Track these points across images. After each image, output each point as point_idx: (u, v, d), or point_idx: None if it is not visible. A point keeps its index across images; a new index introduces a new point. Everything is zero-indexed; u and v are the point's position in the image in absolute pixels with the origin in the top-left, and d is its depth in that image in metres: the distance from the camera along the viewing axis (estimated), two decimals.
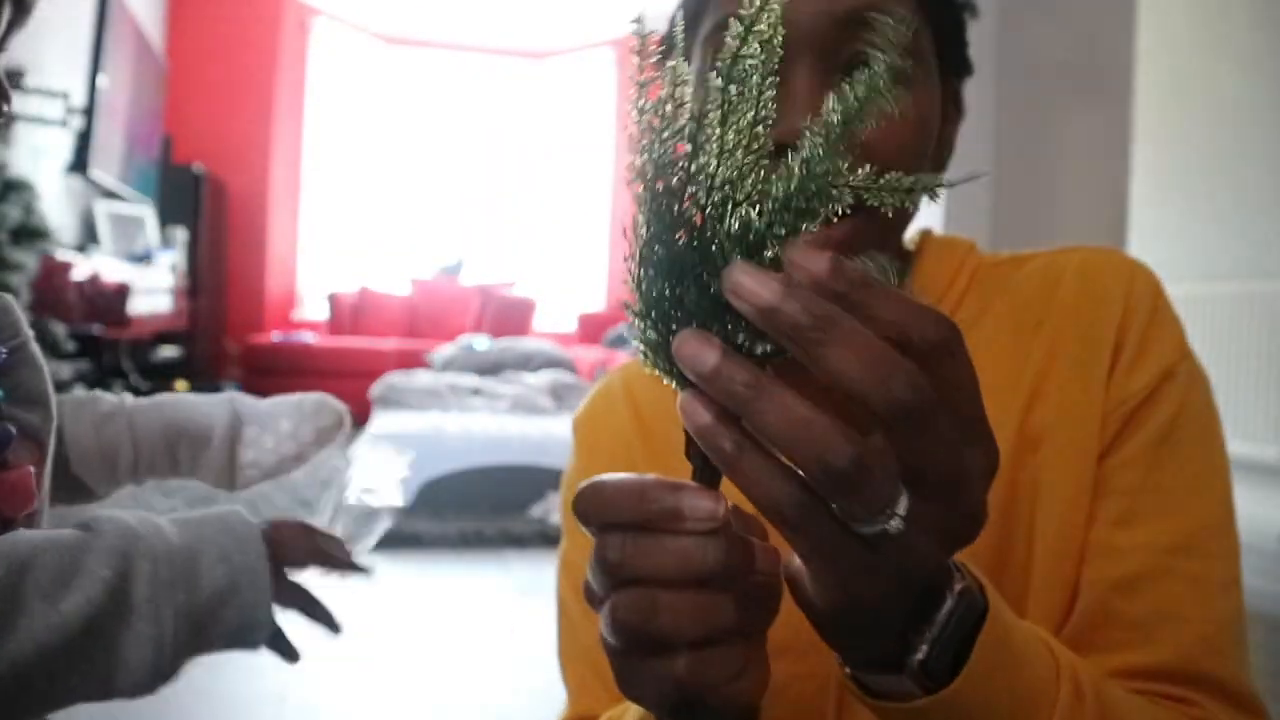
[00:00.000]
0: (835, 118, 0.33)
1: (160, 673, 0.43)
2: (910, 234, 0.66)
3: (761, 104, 0.34)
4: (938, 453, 0.32)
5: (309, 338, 6.44)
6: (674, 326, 0.35)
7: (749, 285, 0.31)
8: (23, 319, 0.54)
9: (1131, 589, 0.53)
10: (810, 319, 0.30)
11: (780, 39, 0.33)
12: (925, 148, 0.57)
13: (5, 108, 0.54)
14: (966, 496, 0.34)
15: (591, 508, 0.37)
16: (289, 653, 0.52)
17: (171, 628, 0.43)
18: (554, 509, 3.69)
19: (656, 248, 0.35)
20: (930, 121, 0.57)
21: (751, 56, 0.33)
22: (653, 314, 0.35)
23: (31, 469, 0.47)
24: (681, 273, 0.34)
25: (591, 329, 7.04)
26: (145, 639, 0.42)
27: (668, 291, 0.35)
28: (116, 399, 0.61)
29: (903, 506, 0.32)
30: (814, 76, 0.53)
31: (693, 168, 0.34)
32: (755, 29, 0.33)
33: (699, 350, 0.32)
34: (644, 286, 0.35)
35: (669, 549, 0.35)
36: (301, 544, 0.54)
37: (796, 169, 0.33)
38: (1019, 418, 0.57)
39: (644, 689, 0.37)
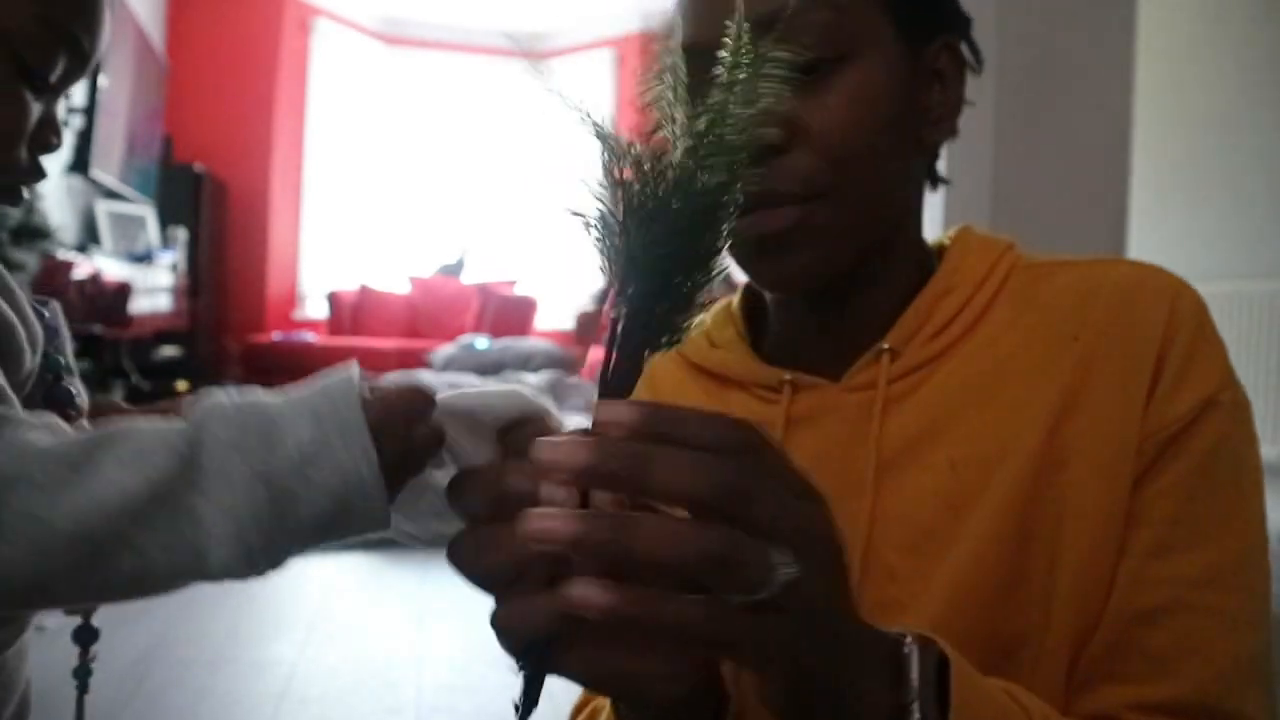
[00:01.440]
0: (699, 126, 0.38)
1: (251, 552, 0.39)
2: (948, 230, 0.65)
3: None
4: (778, 509, 0.35)
5: (310, 337, 6.45)
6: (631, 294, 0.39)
7: (562, 456, 0.35)
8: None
9: (1154, 621, 0.51)
10: (625, 465, 0.34)
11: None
12: (881, 123, 0.55)
13: (54, 140, 0.57)
14: (816, 529, 0.38)
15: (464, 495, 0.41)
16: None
17: (249, 495, 0.39)
18: None
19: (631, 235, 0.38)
20: (879, 97, 0.55)
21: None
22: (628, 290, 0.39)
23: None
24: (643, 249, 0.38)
25: (591, 328, 7.04)
26: (224, 507, 0.39)
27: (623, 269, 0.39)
28: None
29: (778, 560, 0.34)
30: None
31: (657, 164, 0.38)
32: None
33: (555, 522, 0.34)
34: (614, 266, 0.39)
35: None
36: (414, 415, 0.41)
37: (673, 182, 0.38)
38: (1045, 431, 0.54)
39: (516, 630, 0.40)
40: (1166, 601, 0.51)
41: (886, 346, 0.58)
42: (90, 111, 3.92)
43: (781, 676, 0.38)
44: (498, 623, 0.40)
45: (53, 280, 3.37)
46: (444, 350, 5.65)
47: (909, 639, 0.40)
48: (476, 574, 0.40)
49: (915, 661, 0.40)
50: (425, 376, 4.91)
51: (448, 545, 0.40)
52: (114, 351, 4.39)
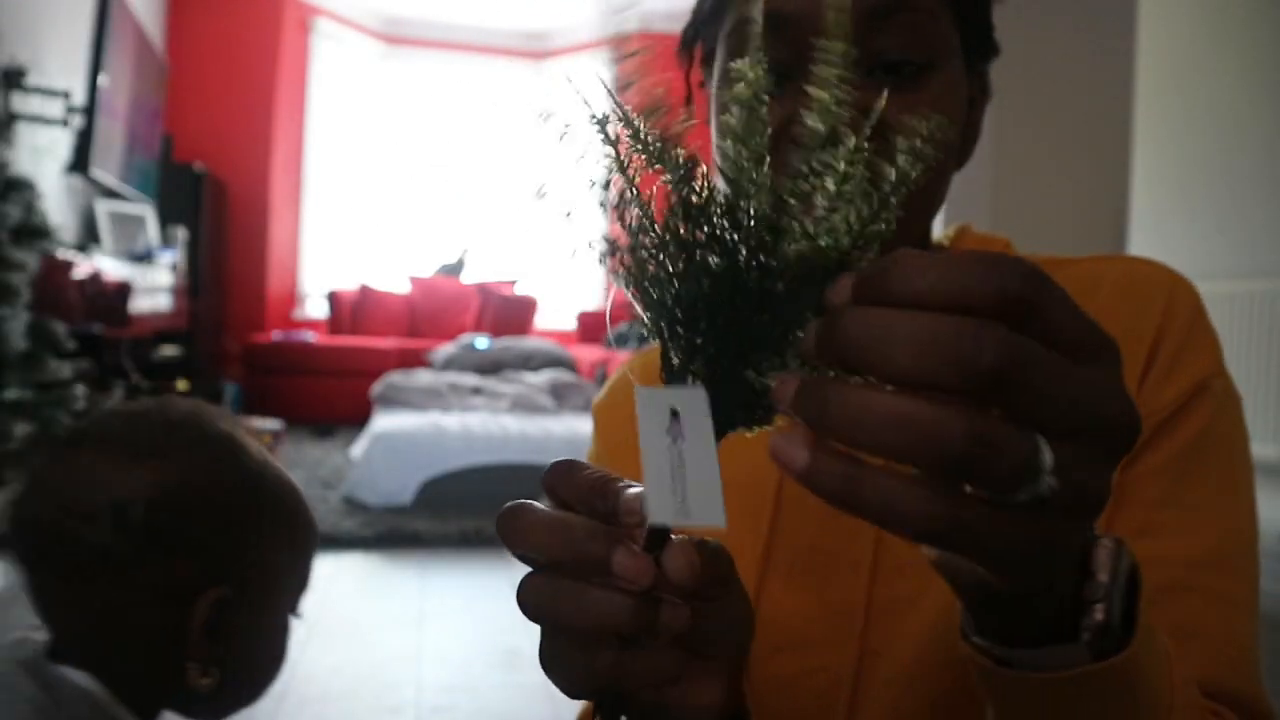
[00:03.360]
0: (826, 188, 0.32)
1: None
2: (947, 228, 0.66)
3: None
4: (1056, 394, 0.27)
5: (310, 337, 6.45)
6: (717, 359, 0.34)
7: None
8: None
9: (1154, 603, 0.52)
10: (853, 336, 0.28)
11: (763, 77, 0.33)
12: (951, 135, 0.57)
13: None
14: (1106, 412, 0.29)
15: (512, 536, 0.37)
16: None
17: None
18: None
19: (691, 284, 0.34)
20: (955, 109, 0.57)
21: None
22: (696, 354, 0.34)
23: None
24: (720, 310, 0.33)
25: (592, 328, 7.05)
26: None
27: (705, 325, 0.34)
28: None
29: (1047, 459, 0.28)
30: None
31: (721, 201, 0.33)
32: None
33: (790, 452, 0.29)
34: (677, 326, 0.34)
35: (585, 602, 0.36)
36: None
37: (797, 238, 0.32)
38: None
39: (564, 675, 0.38)
40: (1166, 583, 0.52)
41: None
42: (90, 111, 3.92)
43: (999, 575, 0.32)
44: (570, 671, 0.38)
45: (52, 280, 3.37)
46: (444, 350, 5.66)
47: (1104, 536, 0.37)
48: (555, 620, 0.37)
49: (1106, 558, 0.36)
50: (424, 376, 4.91)
51: (519, 588, 0.38)
52: (114, 351, 4.39)
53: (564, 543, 0.36)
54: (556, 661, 0.39)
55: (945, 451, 0.27)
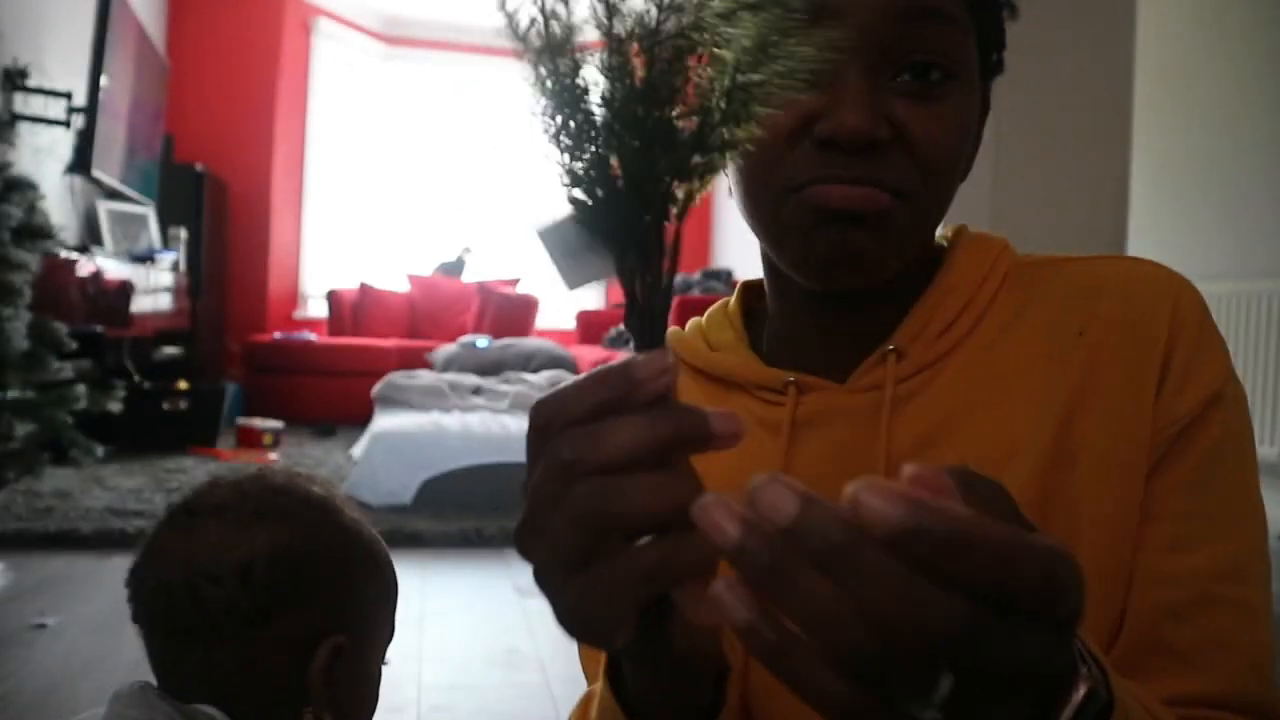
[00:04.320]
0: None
1: None
2: (945, 229, 0.66)
3: None
4: (991, 667, 0.28)
5: (310, 337, 6.45)
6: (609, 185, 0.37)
7: (768, 500, 0.28)
8: None
9: (1182, 616, 0.52)
10: (769, 579, 0.28)
11: None
12: (966, 147, 0.58)
13: None
14: (1031, 681, 0.29)
15: (555, 415, 0.35)
16: None
17: None
18: None
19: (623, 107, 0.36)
20: (971, 122, 0.58)
21: None
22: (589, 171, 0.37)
23: None
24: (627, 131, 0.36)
25: (592, 328, 7.05)
26: None
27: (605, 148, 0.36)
28: None
29: (944, 689, 0.28)
30: (867, 75, 0.53)
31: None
32: None
33: (722, 522, 0.29)
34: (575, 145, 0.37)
35: (623, 429, 0.33)
36: None
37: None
38: (1055, 428, 0.55)
39: (608, 599, 0.34)
40: (1193, 596, 0.52)
41: (892, 347, 0.59)
42: (91, 111, 3.92)
43: None
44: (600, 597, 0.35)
45: (54, 280, 3.37)
46: (444, 349, 5.66)
47: (1083, 676, 0.35)
48: (614, 517, 0.34)
49: (1067, 712, 0.34)
50: (425, 376, 4.91)
51: (562, 509, 0.34)
52: (115, 351, 4.40)
53: (611, 433, 0.34)
54: (597, 593, 0.34)
55: (850, 647, 0.28)
